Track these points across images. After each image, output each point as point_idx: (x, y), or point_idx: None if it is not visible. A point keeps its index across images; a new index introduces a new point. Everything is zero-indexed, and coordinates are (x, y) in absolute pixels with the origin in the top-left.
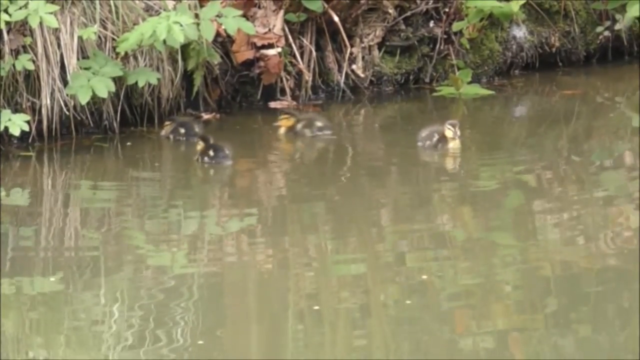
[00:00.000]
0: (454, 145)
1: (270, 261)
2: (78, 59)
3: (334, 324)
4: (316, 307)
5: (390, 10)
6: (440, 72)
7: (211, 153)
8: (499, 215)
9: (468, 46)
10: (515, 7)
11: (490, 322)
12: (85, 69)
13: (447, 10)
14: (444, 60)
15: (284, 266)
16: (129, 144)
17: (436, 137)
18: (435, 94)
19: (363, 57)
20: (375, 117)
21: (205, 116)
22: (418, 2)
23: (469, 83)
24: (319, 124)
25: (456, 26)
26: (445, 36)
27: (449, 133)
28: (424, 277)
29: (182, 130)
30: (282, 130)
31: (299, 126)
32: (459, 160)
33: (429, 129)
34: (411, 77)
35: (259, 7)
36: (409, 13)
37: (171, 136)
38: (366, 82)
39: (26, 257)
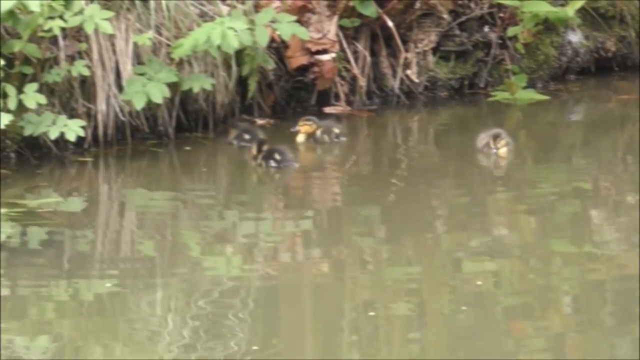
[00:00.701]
0: (502, 152)
1: (325, 266)
2: (133, 64)
3: (388, 330)
4: (371, 313)
5: (445, 15)
6: (495, 77)
7: (277, 157)
8: (555, 221)
9: (523, 51)
10: (570, 11)
11: (547, 328)
12: (141, 74)
13: (502, 15)
14: (499, 65)
15: (338, 271)
16: (188, 148)
17: (485, 142)
18: (490, 99)
19: (417, 62)
20: (430, 122)
21: (260, 122)
22: (473, 6)
23: (524, 88)
24: (336, 130)
25: (511, 31)
26: (500, 41)
27: (498, 142)
28: (480, 283)
29: (247, 137)
30: (301, 138)
31: (318, 133)
32: (513, 165)
33: (484, 135)
34: (466, 82)
35: (314, 13)
36: (463, 18)
37: (235, 142)
38: (420, 88)
39: (82, 262)
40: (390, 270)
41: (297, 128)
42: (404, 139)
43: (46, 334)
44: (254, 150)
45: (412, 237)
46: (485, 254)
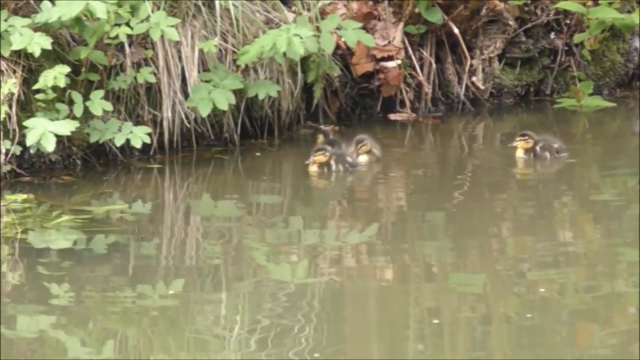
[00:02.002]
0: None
1: (389, 273)
2: (199, 71)
3: (453, 337)
4: (436, 321)
5: (511, 22)
6: (561, 84)
7: (349, 159)
8: (620, 228)
9: (589, 58)
10: (637, 18)
11: (613, 335)
12: (206, 81)
13: (568, 21)
14: (565, 72)
15: (403, 278)
16: (258, 154)
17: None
18: (555, 106)
19: (483, 69)
20: (495, 129)
21: (325, 128)
22: (539, 13)
23: (590, 95)
24: (349, 159)
25: (577, 38)
26: (566, 48)
27: (522, 144)
28: (544, 290)
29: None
30: (314, 168)
31: (332, 162)
32: (579, 172)
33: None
34: (532, 89)
35: (379, 20)
36: (529, 25)
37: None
38: (486, 94)
39: (148, 268)
40: (455, 276)
41: (311, 160)
42: (469, 145)
43: (111, 341)
44: (326, 157)
45: (477, 244)
46: (551, 260)
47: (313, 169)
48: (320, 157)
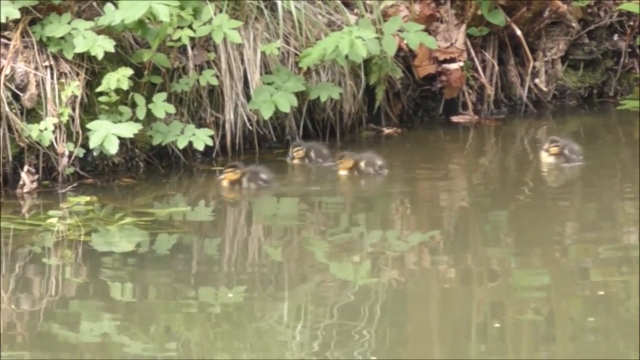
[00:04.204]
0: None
1: (452, 274)
2: (261, 74)
3: (516, 339)
4: (497, 325)
5: (574, 24)
6: (624, 85)
7: (263, 176)
8: None
9: None
10: None
11: None
12: (268, 84)
13: (631, 23)
14: (629, 73)
15: (465, 280)
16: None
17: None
18: (619, 107)
19: (546, 71)
20: (558, 131)
21: (387, 130)
22: (602, 15)
23: None
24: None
25: None
26: (629, 49)
27: (552, 149)
28: (607, 291)
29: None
30: (224, 183)
31: (362, 164)
32: None
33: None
34: (595, 91)
35: (441, 22)
36: (592, 26)
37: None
38: (549, 96)
39: (210, 269)
40: (517, 278)
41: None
42: (531, 147)
43: (174, 342)
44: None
45: (540, 245)
46: (614, 263)
47: (224, 184)
48: (230, 175)
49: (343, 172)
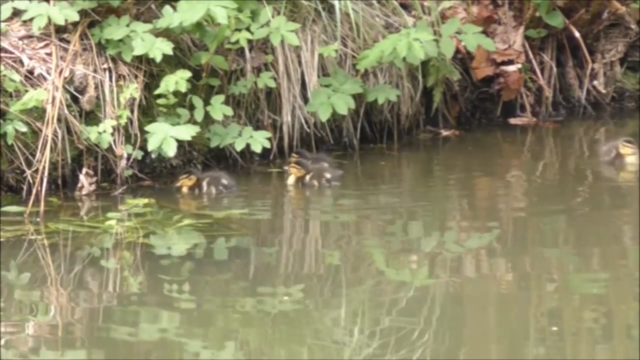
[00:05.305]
0: (631, 161)
1: (510, 278)
2: (318, 76)
3: (574, 342)
4: (554, 328)
5: (633, 26)
6: None
7: (224, 181)
8: None
9: None
10: None
11: None
12: (326, 86)
13: None
14: None
15: (524, 283)
16: (382, 163)
17: (614, 153)
18: None
19: (604, 73)
20: (617, 134)
21: (445, 132)
22: None
23: None
24: (327, 174)
25: None
26: None
27: (625, 150)
28: None
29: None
30: (184, 190)
31: (307, 177)
32: None
33: (608, 145)
34: None
35: (499, 24)
36: None
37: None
38: (607, 98)
39: (268, 271)
40: (575, 281)
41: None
42: (590, 150)
43: (232, 343)
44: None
45: (599, 248)
46: None
47: (184, 190)
48: (185, 181)
49: (290, 181)
